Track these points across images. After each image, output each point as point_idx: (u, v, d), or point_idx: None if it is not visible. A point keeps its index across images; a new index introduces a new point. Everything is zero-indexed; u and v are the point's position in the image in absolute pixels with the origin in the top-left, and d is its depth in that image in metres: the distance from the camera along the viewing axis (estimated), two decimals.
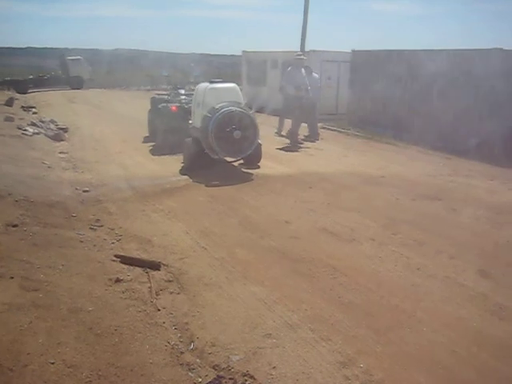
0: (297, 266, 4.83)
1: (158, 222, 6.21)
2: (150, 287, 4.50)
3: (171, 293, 4.41)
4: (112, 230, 5.94)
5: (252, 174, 8.39)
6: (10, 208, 5.96)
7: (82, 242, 5.42)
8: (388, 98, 14.14)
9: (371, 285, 4.40)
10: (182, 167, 8.79)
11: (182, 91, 11.41)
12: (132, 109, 17.99)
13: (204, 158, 8.52)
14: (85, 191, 7.54)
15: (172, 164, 9.20)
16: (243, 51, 23.82)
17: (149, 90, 35.29)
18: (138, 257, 5.11)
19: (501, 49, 12.54)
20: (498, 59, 12.27)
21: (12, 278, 3.99)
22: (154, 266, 4.94)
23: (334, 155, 10.61)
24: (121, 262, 5.02)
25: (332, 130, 14.81)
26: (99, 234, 5.79)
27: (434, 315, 3.87)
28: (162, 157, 9.83)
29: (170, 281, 4.64)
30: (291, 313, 3.96)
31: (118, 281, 4.51)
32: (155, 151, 10.27)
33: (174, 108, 10.19)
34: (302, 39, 20.64)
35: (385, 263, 4.84)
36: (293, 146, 11.31)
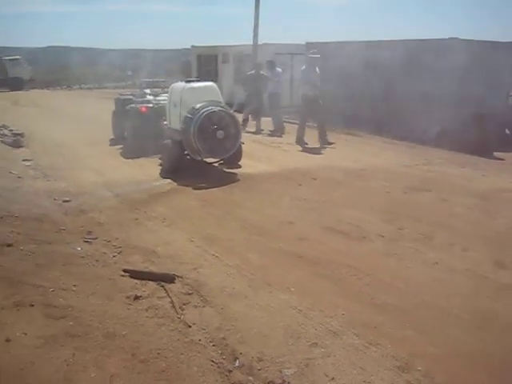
0: (316, 268, 4.76)
1: (156, 230, 5.96)
2: (171, 302, 4.30)
3: (196, 306, 4.22)
4: (108, 241, 5.64)
5: (236, 174, 8.23)
6: None
7: (82, 257, 5.12)
8: (343, 89, 14.18)
9: (398, 283, 4.39)
10: (162, 170, 8.50)
11: (148, 91, 11.03)
12: (84, 109, 17.38)
13: (184, 159, 8.29)
14: (65, 201, 7.12)
15: (149, 167, 8.89)
16: (192, 46, 23.41)
17: (91, 89, 34.38)
18: (148, 270, 4.87)
19: (457, 38, 12.96)
20: (455, 49, 12.70)
21: (32, 305, 3.69)
22: (168, 278, 4.72)
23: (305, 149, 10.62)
24: (131, 276, 4.77)
25: (292, 123, 14.79)
26: (96, 247, 5.48)
27: (472, 311, 3.91)
28: (137, 160, 9.48)
29: (189, 293, 4.44)
30: (330, 319, 3.88)
31: (136, 298, 4.29)
32: (127, 154, 9.89)
33: (143, 109, 9.83)
34: (254, 32, 20.53)
35: (403, 260, 4.86)
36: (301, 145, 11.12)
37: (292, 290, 4.36)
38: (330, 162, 9.44)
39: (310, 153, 10.31)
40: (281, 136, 12.54)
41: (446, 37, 13.08)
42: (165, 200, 7.06)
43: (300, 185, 7.54)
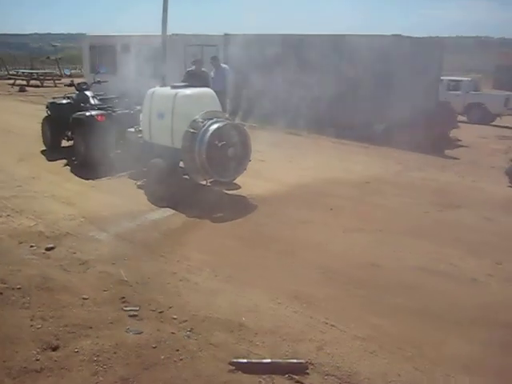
0: (466, 331, 3.94)
1: (215, 289, 4.63)
2: None
3: None
4: (161, 313, 4.25)
5: (245, 197, 7.04)
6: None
7: (155, 347, 3.73)
8: (268, 84, 13.27)
9: None
10: (150, 196, 6.97)
11: (89, 93, 9.17)
12: None
13: (178, 182, 6.90)
14: (48, 249, 5.42)
15: (127, 191, 7.26)
16: (86, 35, 20.88)
17: None
18: (269, 360, 3.64)
19: (400, 35, 12.91)
20: (396, 45, 12.64)
21: None
22: (299, 368, 3.57)
23: (277, 157, 9.67)
24: (244, 371, 3.54)
25: None
26: (153, 324, 4.07)
27: None
28: (102, 181, 7.75)
29: None
30: None
31: None
32: (84, 173, 8.04)
33: (100, 117, 8.08)
34: (163, 22, 18.80)
35: None
36: None
37: (473, 369, 3.50)
38: (318, 173, 8.62)
39: (286, 162, 9.40)
40: None
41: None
42: (189, 240, 5.67)
43: (331, 209, 6.62)
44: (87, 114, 8.12)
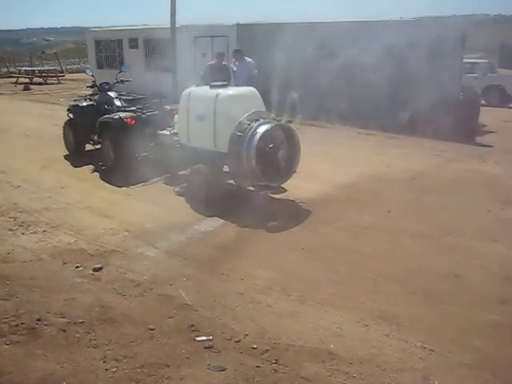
0: None
1: (290, 312, 4.24)
2: None
3: None
4: (238, 342, 3.89)
5: (294, 201, 6.63)
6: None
7: None
8: (282, 74, 12.72)
9: None
10: (193, 204, 6.54)
11: (113, 94, 8.72)
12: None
13: (222, 188, 6.50)
14: (96, 270, 5.04)
15: (166, 199, 6.86)
16: (89, 30, 20.30)
17: None
18: None
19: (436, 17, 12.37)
20: (425, 29, 12.10)
21: None
22: None
23: (311, 152, 9.22)
24: None
25: None
26: (234, 357, 3.73)
27: None
28: (137, 188, 7.34)
29: None
30: None
31: None
32: (115, 180, 7.61)
33: (130, 120, 7.64)
34: (171, 13, 18.22)
35: None
36: None
37: None
38: (360, 169, 8.15)
39: (322, 156, 8.97)
40: None
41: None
42: (248, 254, 5.28)
43: (389, 212, 6.22)
44: (115, 116, 7.67)
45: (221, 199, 6.28)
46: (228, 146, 6.08)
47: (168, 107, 7.96)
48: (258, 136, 5.93)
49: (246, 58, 11.22)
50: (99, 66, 19.14)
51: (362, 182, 7.34)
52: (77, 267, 5.11)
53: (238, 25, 16.57)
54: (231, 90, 6.42)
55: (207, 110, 6.34)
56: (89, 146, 9.03)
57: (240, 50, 11.22)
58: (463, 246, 5.25)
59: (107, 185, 7.55)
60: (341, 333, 3.92)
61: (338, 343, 3.80)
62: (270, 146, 6.07)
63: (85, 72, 10.78)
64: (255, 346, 3.82)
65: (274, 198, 6.68)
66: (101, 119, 7.90)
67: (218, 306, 4.37)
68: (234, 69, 11.17)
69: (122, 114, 7.71)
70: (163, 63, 15.03)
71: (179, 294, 4.57)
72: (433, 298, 4.34)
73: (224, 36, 16.60)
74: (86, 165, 8.51)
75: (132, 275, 4.93)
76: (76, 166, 8.54)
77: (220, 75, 10.97)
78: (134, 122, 7.64)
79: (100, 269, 5.07)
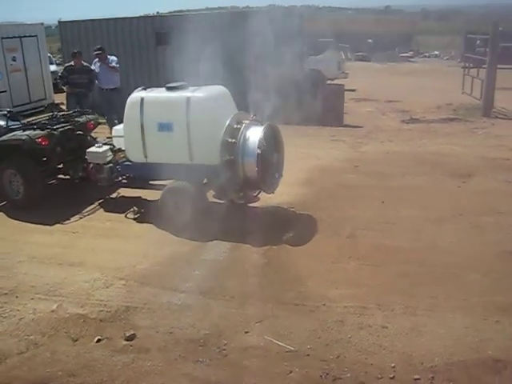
0: None
1: (415, 328, 3.80)
2: None
3: None
4: (392, 378, 3.36)
5: (283, 208, 5.98)
6: None
7: None
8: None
9: None
10: (176, 227, 5.33)
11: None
12: None
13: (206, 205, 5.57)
14: (130, 338, 3.85)
15: (127, 230, 5.60)
16: None
17: None
18: None
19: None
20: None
21: None
22: None
23: None
24: None
25: None
26: None
27: None
28: (77, 224, 5.79)
29: None
30: None
31: None
32: (34, 218, 5.81)
33: (43, 140, 5.97)
34: None
35: None
36: None
37: None
38: (313, 163, 7.81)
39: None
40: None
41: None
42: (298, 275, 4.56)
43: (383, 202, 6.08)
44: (23, 137, 5.92)
45: (207, 218, 5.31)
46: (219, 156, 5.16)
47: (81, 119, 6.57)
48: (256, 140, 5.17)
49: (108, 56, 9.82)
50: None
51: (319, 177, 7.06)
52: (98, 341, 3.77)
53: (60, 22, 14.69)
54: (202, 92, 5.42)
55: (175, 118, 5.30)
56: None
57: (101, 48, 9.72)
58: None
59: (32, 226, 5.77)
60: (484, 336, 3.64)
61: (492, 347, 3.50)
62: (266, 149, 5.36)
63: None
64: (417, 377, 3.31)
65: (255, 207, 5.96)
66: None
67: (328, 342, 3.68)
68: (97, 70, 9.74)
69: (31, 133, 5.99)
70: None
71: (269, 341, 3.70)
72: None
73: (33, 36, 15.05)
74: None
75: (180, 332, 3.85)
76: None
77: (82, 78, 9.48)
78: (47, 142, 5.99)
79: (133, 336, 3.83)
